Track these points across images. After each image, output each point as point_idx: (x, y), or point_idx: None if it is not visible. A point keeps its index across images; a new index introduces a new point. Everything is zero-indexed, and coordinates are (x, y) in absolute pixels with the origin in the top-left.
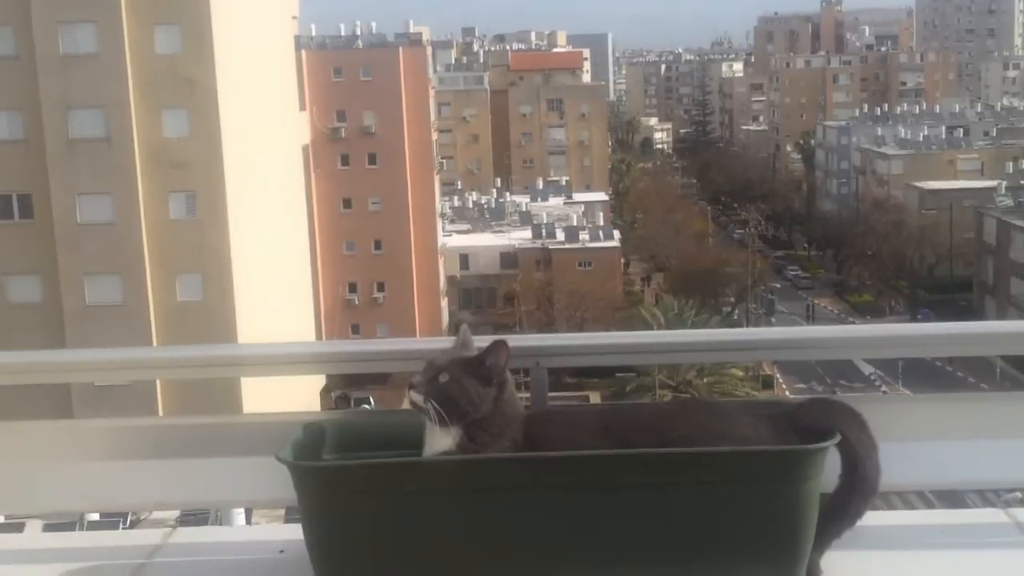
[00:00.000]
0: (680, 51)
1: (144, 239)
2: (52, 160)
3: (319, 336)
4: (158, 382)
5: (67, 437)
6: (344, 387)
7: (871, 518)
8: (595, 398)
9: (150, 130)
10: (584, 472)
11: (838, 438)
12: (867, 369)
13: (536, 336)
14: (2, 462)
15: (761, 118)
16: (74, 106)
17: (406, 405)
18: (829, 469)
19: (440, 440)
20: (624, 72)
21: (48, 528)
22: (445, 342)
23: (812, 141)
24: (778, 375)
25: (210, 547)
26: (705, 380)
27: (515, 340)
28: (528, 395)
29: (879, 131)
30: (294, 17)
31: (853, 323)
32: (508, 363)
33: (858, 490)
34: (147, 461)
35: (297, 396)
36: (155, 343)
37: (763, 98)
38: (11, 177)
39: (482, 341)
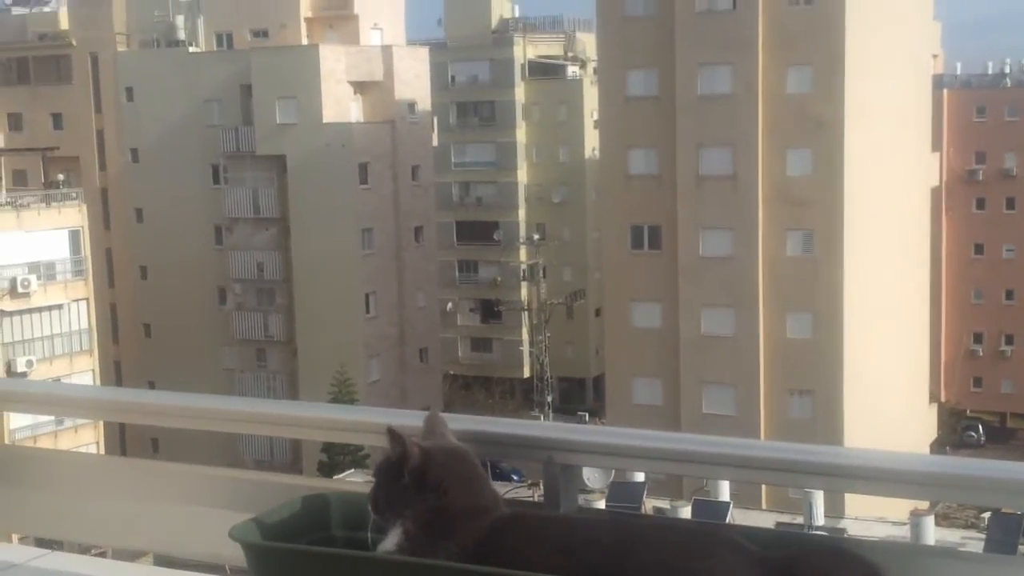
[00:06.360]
0: None
1: (759, 274)
2: (682, 195)
3: (940, 385)
4: None
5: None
6: None
7: None
8: None
9: (774, 168)
10: None
11: None
12: None
13: (551, 425)
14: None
15: None
16: (705, 144)
17: None
18: None
19: (389, 536)
20: None
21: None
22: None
23: None
24: None
25: None
26: None
27: (525, 428)
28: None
29: None
30: (934, 56)
31: None
32: (445, 469)
33: None
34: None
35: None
36: (762, 378)
37: None
38: (644, 209)
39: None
